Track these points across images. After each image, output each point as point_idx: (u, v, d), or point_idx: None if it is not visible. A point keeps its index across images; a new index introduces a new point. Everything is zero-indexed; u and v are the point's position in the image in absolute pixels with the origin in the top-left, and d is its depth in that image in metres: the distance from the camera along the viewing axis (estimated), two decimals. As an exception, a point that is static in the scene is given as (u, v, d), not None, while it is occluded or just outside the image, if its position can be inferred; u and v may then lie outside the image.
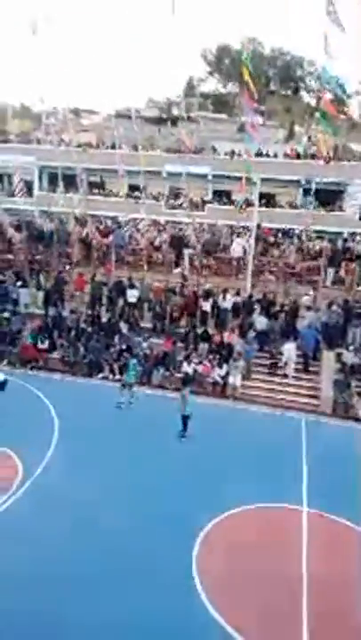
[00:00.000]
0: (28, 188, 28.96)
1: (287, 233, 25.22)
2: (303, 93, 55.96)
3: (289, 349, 16.75)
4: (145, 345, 17.39)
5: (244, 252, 20.54)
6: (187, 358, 16.68)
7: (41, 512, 9.38)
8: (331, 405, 15.72)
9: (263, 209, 25.75)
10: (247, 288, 19.10)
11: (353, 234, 24.98)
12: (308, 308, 17.68)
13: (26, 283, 20.30)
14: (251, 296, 18.44)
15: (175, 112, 42.23)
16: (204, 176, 32.71)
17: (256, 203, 21.08)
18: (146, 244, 21.49)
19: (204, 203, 32.57)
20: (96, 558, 8.33)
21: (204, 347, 17.31)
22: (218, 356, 16.67)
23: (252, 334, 17.24)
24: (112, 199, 32.58)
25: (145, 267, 20.67)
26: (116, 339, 17.77)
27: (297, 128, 44.75)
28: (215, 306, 18.22)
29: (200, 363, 16.65)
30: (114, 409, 14.58)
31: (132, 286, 18.90)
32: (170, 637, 7.00)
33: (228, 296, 18.15)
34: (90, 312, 19.03)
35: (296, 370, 16.87)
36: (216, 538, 9.12)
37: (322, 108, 19.64)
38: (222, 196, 33.26)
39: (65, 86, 36.10)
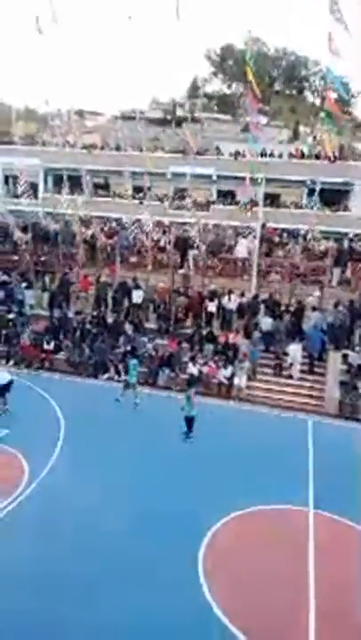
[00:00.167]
0: (33, 189, 29.03)
1: (292, 233, 25.17)
2: (308, 93, 55.89)
3: (295, 350, 16.70)
4: (150, 346, 17.40)
5: (249, 252, 20.51)
6: (192, 359, 16.67)
7: (48, 512, 9.40)
8: (337, 406, 15.65)
9: (268, 209, 25.74)
10: (252, 289, 19.07)
11: (359, 234, 24.88)
12: (314, 309, 17.62)
13: (31, 284, 20.38)
14: (256, 297, 18.40)
15: (179, 113, 42.27)
16: (208, 177, 32.71)
17: (261, 203, 21.06)
18: (151, 244, 21.52)
19: (209, 203, 32.57)
20: (101, 558, 8.33)
21: (209, 348, 17.28)
22: (223, 357, 16.64)
23: (257, 335, 17.20)
24: (117, 200, 32.66)
25: (150, 268, 20.69)
26: (122, 340, 17.79)
27: (302, 128, 44.68)
28: (220, 307, 18.20)
29: (205, 364, 16.64)
30: (119, 409, 14.59)
31: (137, 287, 18.91)
32: (175, 637, 6.98)
33: (234, 297, 18.12)
34: (95, 313, 19.06)
35: (302, 371, 16.80)
36: (222, 539, 9.10)
37: (326, 107, 19.60)
38: (227, 197, 33.25)
39: (70, 88, 36.16)
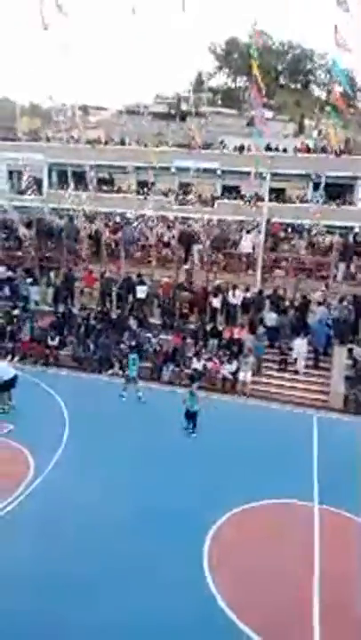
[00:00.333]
0: (38, 185, 29.07)
1: (297, 228, 25.07)
2: (313, 87, 55.51)
3: (300, 345, 16.65)
4: (154, 341, 17.39)
5: (254, 247, 20.42)
6: (197, 354, 16.65)
7: (51, 509, 9.41)
8: (342, 401, 15.62)
9: (273, 204, 25.60)
10: (257, 284, 19.00)
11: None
12: (319, 304, 17.54)
13: (36, 280, 20.41)
14: (261, 292, 18.33)
15: (184, 107, 42.05)
16: (213, 171, 32.59)
17: (266, 197, 20.95)
18: (155, 240, 21.46)
19: (214, 198, 32.46)
20: (106, 556, 8.31)
21: (213, 343, 17.26)
22: (228, 353, 16.62)
23: (262, 330, 17.16)
24: (121, 195, 32.61)
25: (154, 263, 20.66)
26: (126, 335, 17.78)
27: (307, 122, 44.40)
28: (225, 302, 18.15)
29: (210, 359, 16.62)
30: (124, 405, 14.61)
31: (141, 282, 18.89)
32: (181, 633, 6.99)
33: (238, 292, 18.06)
34: (99, 308, 19.07)
35: (307, 366, 16.76)
36: (227, 533, 9.10)
37: (332, 101, 19.45)
38: (232, 192, 33.11)
39: (74, 83, 36.12)
